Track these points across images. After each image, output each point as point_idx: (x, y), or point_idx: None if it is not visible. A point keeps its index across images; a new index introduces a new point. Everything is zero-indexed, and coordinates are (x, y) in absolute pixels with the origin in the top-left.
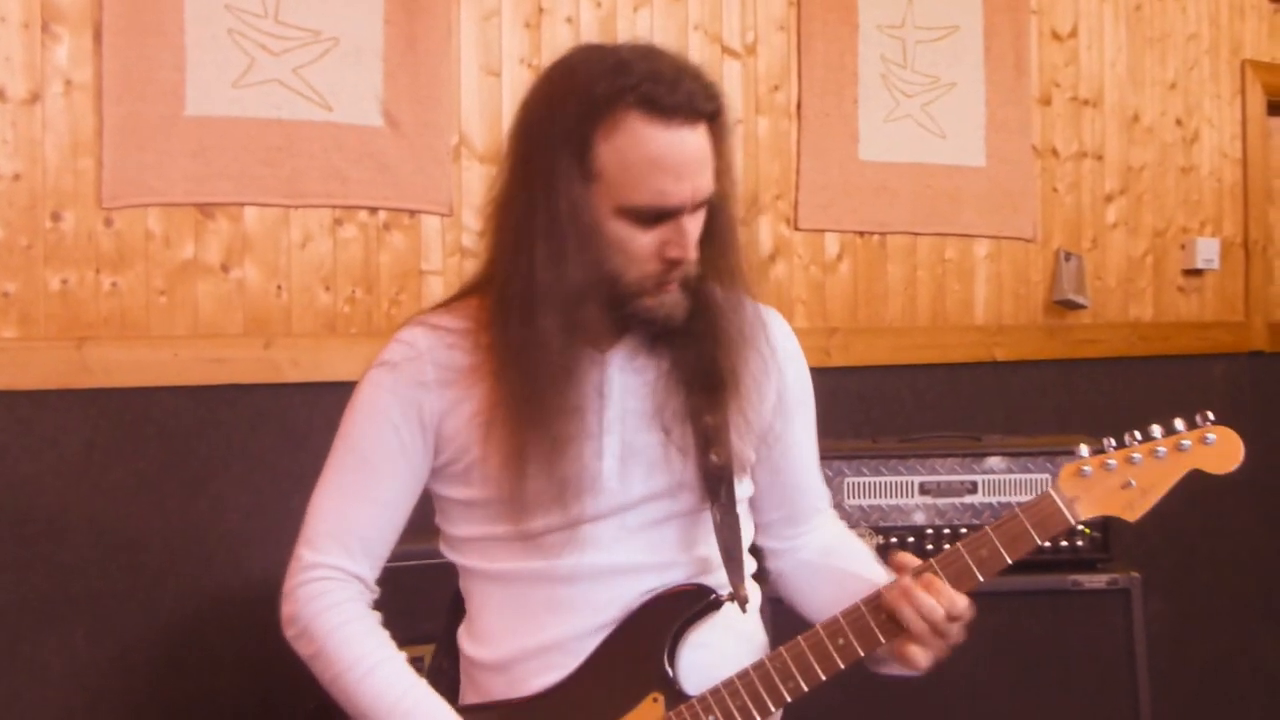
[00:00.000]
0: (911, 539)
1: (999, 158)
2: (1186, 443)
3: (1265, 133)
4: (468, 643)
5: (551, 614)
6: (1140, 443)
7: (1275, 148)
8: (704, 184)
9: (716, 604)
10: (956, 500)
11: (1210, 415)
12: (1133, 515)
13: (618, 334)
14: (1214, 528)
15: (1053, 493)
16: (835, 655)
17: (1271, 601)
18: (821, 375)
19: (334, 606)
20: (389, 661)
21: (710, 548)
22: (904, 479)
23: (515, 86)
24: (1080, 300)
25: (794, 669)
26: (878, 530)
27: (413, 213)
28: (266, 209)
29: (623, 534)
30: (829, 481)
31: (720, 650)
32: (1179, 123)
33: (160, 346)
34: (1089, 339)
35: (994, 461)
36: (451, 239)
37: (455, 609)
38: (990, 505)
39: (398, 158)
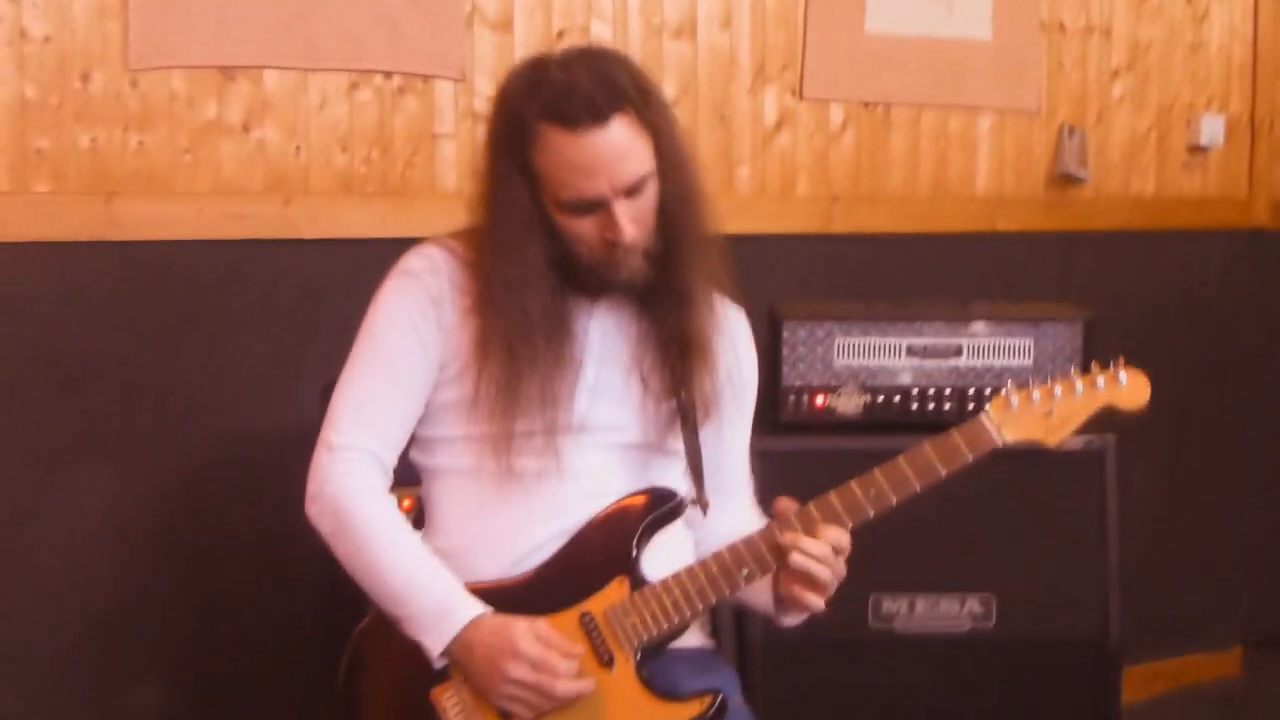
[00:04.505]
0: (898, 398)
1: (1006, 31)
2: (1101, 381)
3: (1278, 11)
4: (430, 538)
5: (503, 504)
6: (1062, 381)
7: None
8: (625, 172)
9: (680, 507)
10: (942, 362)
11: (1122, 360)
12: (1053, 440)
13: (605, 289)
14: (1208, 400)
15: (983, 418)
16: (752, 565)
17: (1259, 475)
18: (823, 242)
19: (355, 486)
20: (405, 539)
21: (668, 478)
22: (892, 341)
23: None
24: (1081, 174)
25: (727, 568)
26: (867, 390)
27: (426, 78)
28: (285, 72)
29: (589, 448)
30: (820, 344)
31: (674, 555)
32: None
33: (184, 202)
34: (1090, 213)
35: (979, 326)
36: (464, 103)
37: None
38: (974, 368)
39: (412, 24)
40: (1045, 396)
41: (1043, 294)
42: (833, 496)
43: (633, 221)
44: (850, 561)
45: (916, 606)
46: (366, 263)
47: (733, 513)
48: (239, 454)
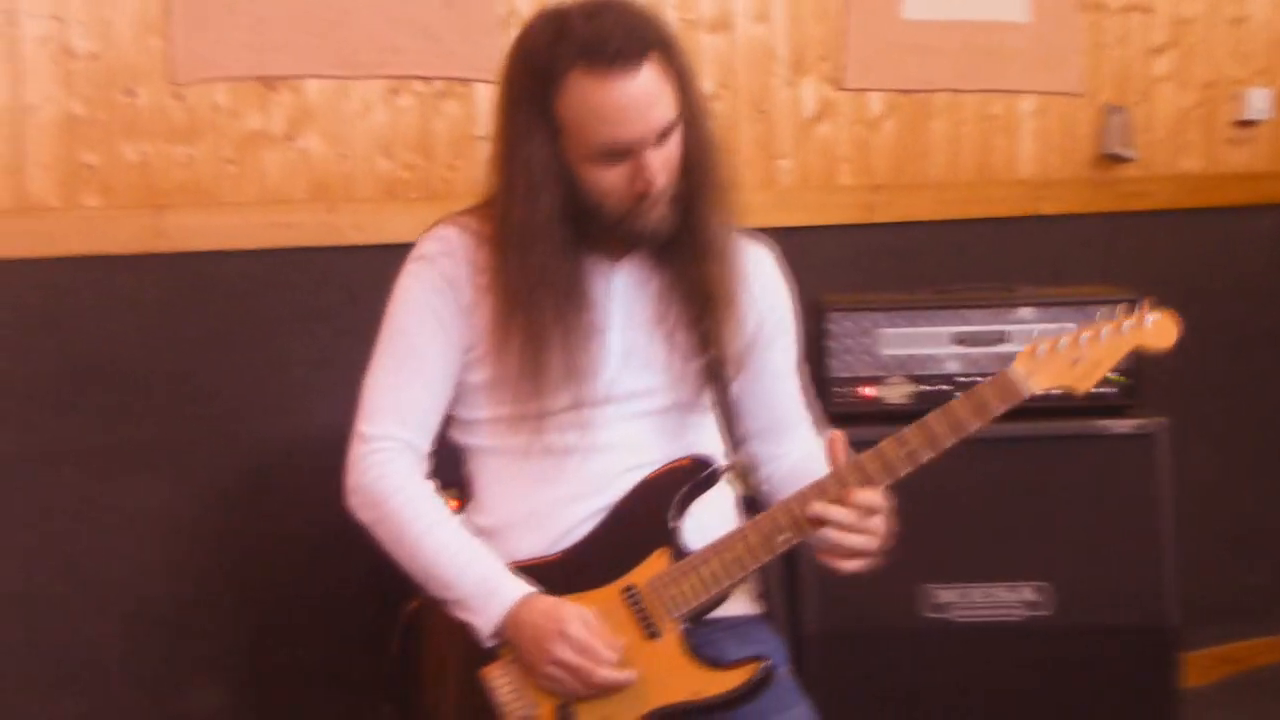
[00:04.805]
0: (945, 387)
1: (1044, 12)
2: (1128, 324)
3: None
4: (472, 515)
5: (542, 482)
6: (1089, 326)
7: None
8: (656, 118)
9: (715, 475)
10: (988, 349)
11: (1149, 302)
12: (1083, 386)
13: (626, 248)
14: (1261, 379)
15: (1011, 368)
16: (788, 532)
17: None
18: (865, 232)
19: (392, 474)
20: (445, 522)
21: (702, 440)
22: (937, 329)
23: None
24: (1128, 154)
25: (766, 536)
26: (913, 379)
27: (465, 81)
28: (326, 80)
29: (621, 419)
30: (866, 335)
31: (706, 522)
32: None
33: (230, 212)
34: (1137, 191)
35: (1025, 312)
36: None
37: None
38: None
39: (448, 28)
40: (1072, 343)
41: (1090, 277)
42: (865, 458)
43: (662, 169)
44: (900, 548)
45: (970, 595)
46: None
47: (797, 446)
48: (287, 456)
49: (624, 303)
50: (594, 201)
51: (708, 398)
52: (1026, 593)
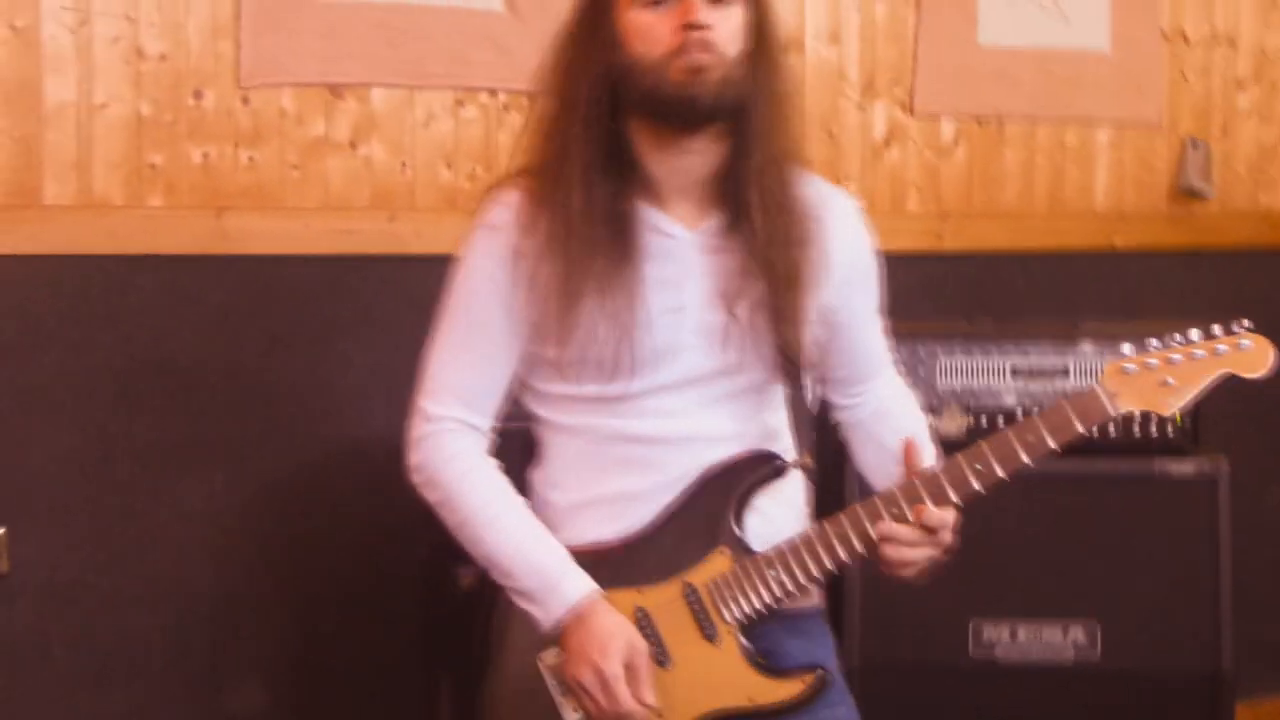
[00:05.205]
0: (1002, 420)
1: (1125, 42)
2: (1222, 347)
3: None
4: (540, 483)
5: (623, 469)
6: (1180, 344)
7: None
8: None
9: (781, 470)
10: (1048, 384)
11: (1246, 322)
12: (1168, 410)
13: (703, 214)
14: None
15: (1097, 386)
16: (852, 545)
17: None
18: (934, 260)
19: (458, 456)
20: (510, 509)
21: (776, 419)
22: (996, 361)
23: None
24: (1205, 189)
25: (830, 544)
26: (969, 411)
27: (532, 95)
28: (392, 89)
29: (697, 403)
30: (922, 364)
31: (775, 516)
32: None
33: (293, 217)
34: (1214, 227)
35: (1086, 346)
36: None
37: (527, 449)
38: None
39: (517, 41)
40: (1163, 363)
41: (1163, 313)
42: (939, 472)
43: (714, 23)
44: (950, 581)
45: (1019, 634)
46: None
47: (879, 392)
48: (340, 460)
49: (700, 278)
50: (637, 56)
51: (783, 375)
52: (1077, 634)
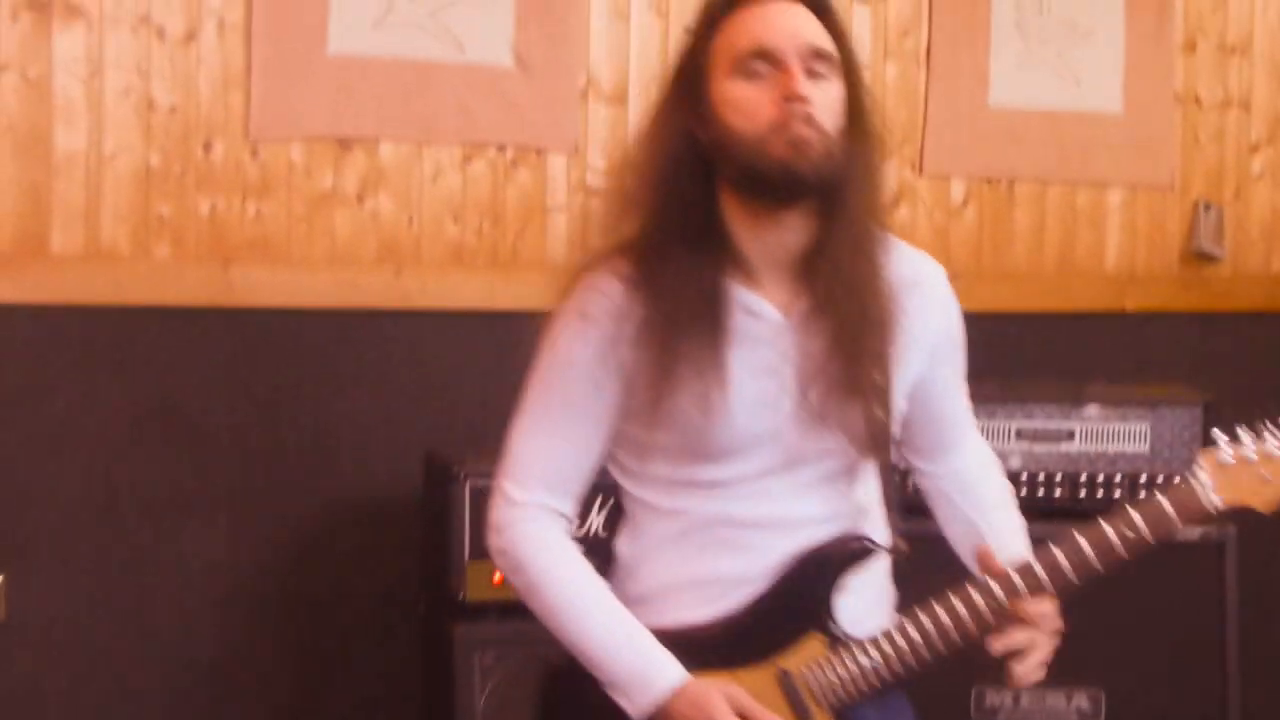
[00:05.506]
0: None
1: (1137, 105)
2: None
3: None
4: (630, 558)
5: (718, 553)
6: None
7: None
8: (806, 33)
9: (874, 552)
10: (1053, 447)
11: None
12: (1268, 508)
13: (794, 294)
14: None
15: (1193, 479)
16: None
17: None
18: None
19: (546, 548)
20: (598, 600)
21: (867, 498)
22: (1000, 423)
23: (643, 30)
24: (1217, 252)
25: (931, 640)
26: None
27: (539, 150)
28: (400, 143)
29: (794, 487)
30: None
31: (864, 597)
32: None
33: (299, 270)
34: (1226, 291)
35: (1092, 409)
36: (576, 177)
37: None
38: (1087, 454)
39: (526, 98)
40: (1263, 458)
41: (1174, 377)
42: (1036, 564)
43: (815, 99)
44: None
45: (1021, 701)
46: (474, 333)
47: (965, 461)
48: (344, 515)
49: (797, 360)
50: (736, 129)
51: (875, 454)
52: (1081, 701)
